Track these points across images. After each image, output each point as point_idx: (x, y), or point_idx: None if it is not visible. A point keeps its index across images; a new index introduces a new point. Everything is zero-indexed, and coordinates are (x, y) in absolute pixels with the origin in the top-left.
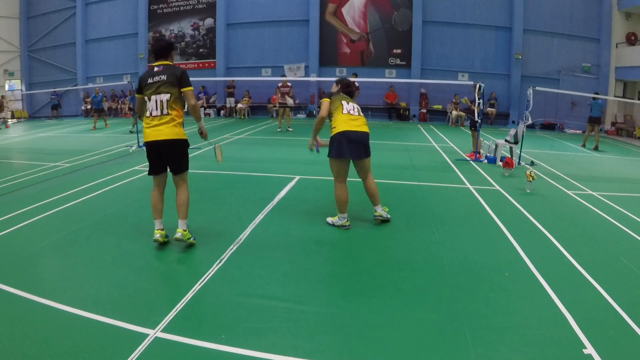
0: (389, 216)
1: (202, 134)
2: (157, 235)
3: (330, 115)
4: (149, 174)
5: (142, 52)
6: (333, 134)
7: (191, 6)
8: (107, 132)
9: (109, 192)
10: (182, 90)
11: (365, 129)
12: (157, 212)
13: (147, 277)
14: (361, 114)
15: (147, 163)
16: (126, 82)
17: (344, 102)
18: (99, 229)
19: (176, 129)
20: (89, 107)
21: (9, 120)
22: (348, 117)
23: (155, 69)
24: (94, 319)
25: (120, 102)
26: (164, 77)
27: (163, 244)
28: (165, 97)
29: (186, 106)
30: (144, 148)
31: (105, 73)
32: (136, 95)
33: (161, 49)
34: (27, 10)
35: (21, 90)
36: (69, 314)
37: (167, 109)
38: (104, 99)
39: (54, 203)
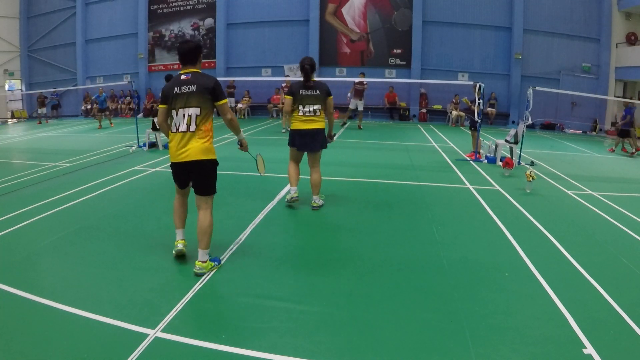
0: (322, 201)
1: (242, 146)
2: (180, 245)
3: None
4: (174, 181)
5: (142, 52)
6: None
7: (191, 6)
8: (107, 132)
9: (109, 192)
10: (217, 104)
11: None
12: (180, 221)
13: (147, 277)
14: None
15: (171, 174)
16: (126, 82)
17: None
18: (99, 229)
19: (206, 146)
20: (89, 107)
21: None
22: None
23: (183, 77)
24: (94, 319)
25: (120, 102)
26: (193, 88)
27: (182, 257)
28: (195, 111)
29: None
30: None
31: (105, 73)
32: (159, 106)
33: (188, 52)
34: (27, 10)
35: (21, 90)
36: (69, 314)
37: (195, 124)
38: (107, 98)
39: (54, 203)
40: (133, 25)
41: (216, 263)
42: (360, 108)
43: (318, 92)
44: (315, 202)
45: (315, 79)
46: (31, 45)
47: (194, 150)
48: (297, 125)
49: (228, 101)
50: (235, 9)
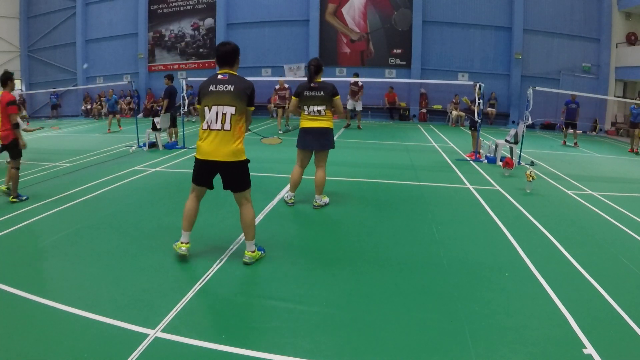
0: (327, 200)
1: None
2: (184, 249)
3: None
4: (192, 181)
5: (142, 52)
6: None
7: (191, 6)
8: (107, 132)
9: (109, 192)
10: (249, 108)
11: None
12: (189, 223)
13: (147, 277)
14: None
15: (193, 172)
16: (126, 82)
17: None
18: (99, 229)
19: (237, 147)
20: (89, 106)
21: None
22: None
23: (220, 76)
24: (94, 319)
25: (120, 102)
26: (230, 88)
27: (185, 257)
28: (230, 109)
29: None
30: (194, 162)
31: (105, 73)
32: (197, 106)
33: (226, 55)
34: (27, 10)
35: (21, 90)
36: (69, 314)
37: (230, 123)
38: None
39: (54, 203)
40: (133, 25)
41: (262, 252)
42: (359, 108)
43: (322, 93)
44: (316, 201)
45: (322, 79)
46: (31, 45)
47: (227, 151)
48: (304, 123)
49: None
50: (235, 9)
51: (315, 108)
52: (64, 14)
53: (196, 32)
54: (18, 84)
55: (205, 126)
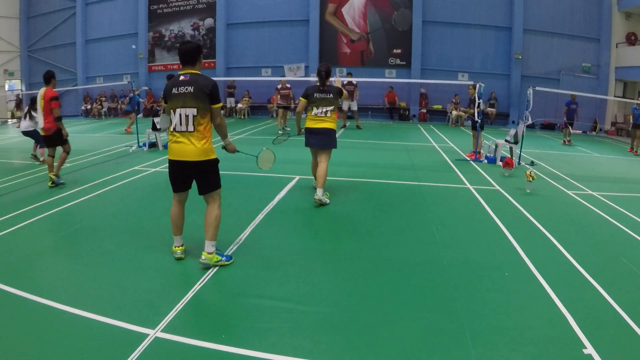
0: (327, 201)
1: (228, 151)
2: (178, 252)
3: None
4: (173, 190)
5: (142, 52)
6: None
7: (191, 6)
8: (108, 132)
9: (109, 192)
10: (213, 106)
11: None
12: (177, 229)
13: (147, 277)
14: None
15: (169, 177)
16: (126, 82)
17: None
18: (99, 229)
19: (204, 147)
20: (89, 106)
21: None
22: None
23: (181, 77)
24: (94, 319)
25: (120, 102)
26: (190, 89)
27: (182, 259)
28: (191, 111)
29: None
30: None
31: (105, 73)
32: (163, 104)
33: (187, 53)
34: (27, 10)
35: (21, 90)
36: (69, 314)
37: (193, 125)
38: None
39: (54, 203)
40: (133, 25)
41: (224, 259)
42: (354, 108)
43: (331, 95)
44: (317, 195)
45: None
46: (31, 45)
47: (193, 151)
48: (309, 124)
49: (222, 104)
50: (235, 9)
51: (324, 109)
52: (64, 14)
53: (196, 32)
54: (18, 84)
55: (172, 128)
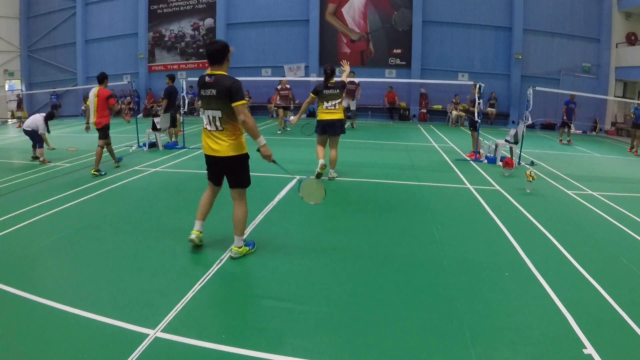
0: (335, 175)
1: (262, 155)
2: (193, 235)
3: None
4: (207, 177)
5: (142, 52)
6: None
7: (191, 6)
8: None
9: (109, 192)
10: (233, 105)
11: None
12: (201, 213)
13: (147, 277)
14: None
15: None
16: (126, 82)
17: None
18: (98, 229)
19: (233, 143)
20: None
21: (10, 120)
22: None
23: (207, 79)
24: (94, 319)
25: (120, 102)
26: (213, 92)
27: (196, 247)
28: (217, 113)
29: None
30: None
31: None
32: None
33: (214, 53)
34: (27, 10)
35: (21, 90)
36: (69, 314)
37: (221, 125)
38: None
39: (54, 203)
40: (133, 25)
41: (250, 247)
42: (353, 107)
43: (337, 90)
44: (331, 173)
45: (317, 78)
46: (31, 45)
47: (222, 146)
48: (322, 116)
49: (245, 102)
50: (235, 9)
51: (332, 102)
52: (64, 14)
53: (196, 32)
54: (18, 84)
55: (204, 125)
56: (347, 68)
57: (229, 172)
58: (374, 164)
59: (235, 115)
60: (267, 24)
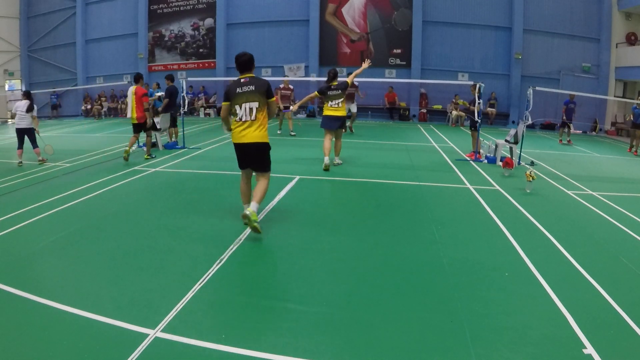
0: (340, 162)
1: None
2: (248, 212)
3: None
4: (239, 166)
5: (142, 52)
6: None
7: (191, 6)
8: (108, 132)
9: (109, 192)
10: (269, 101)
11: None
12: (245, 198)
13: (147, 277)
14: (339, 105)
15: (237, 158)
16: (126, 82)
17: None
18: (99, 228)
19: (262, 132)
20: (89, 106)
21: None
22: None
23: (242, 80)
24: (94, 319)
25: (120, 102)
26: (252, 87)
27: (252, 228)
28: (255, 105)
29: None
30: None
31: (105, 73)
32: (223, 103)
33: (245, 63)
34: (27, 10)
35: (21, 90)
36: (69, 314)
37: (255, 115)
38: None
39: (54, 203)
40: (133, 25)
41: (257, 224)
42: (354, 110)
43: (340, 91)
44: (336, 160)
45: (318, 79)
46: (31, 45)
47: (253, 134)
48: (329, 113)
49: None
50: (235, 9)
51: (337, 101)
52: (64, 14)
53: (196, 32)
54: (18, 83)
55: (238, 119)
56: (364, 65)
57: (257, 156)
58: (374, 163)
59: (271, 107)
60: (267, 24)
